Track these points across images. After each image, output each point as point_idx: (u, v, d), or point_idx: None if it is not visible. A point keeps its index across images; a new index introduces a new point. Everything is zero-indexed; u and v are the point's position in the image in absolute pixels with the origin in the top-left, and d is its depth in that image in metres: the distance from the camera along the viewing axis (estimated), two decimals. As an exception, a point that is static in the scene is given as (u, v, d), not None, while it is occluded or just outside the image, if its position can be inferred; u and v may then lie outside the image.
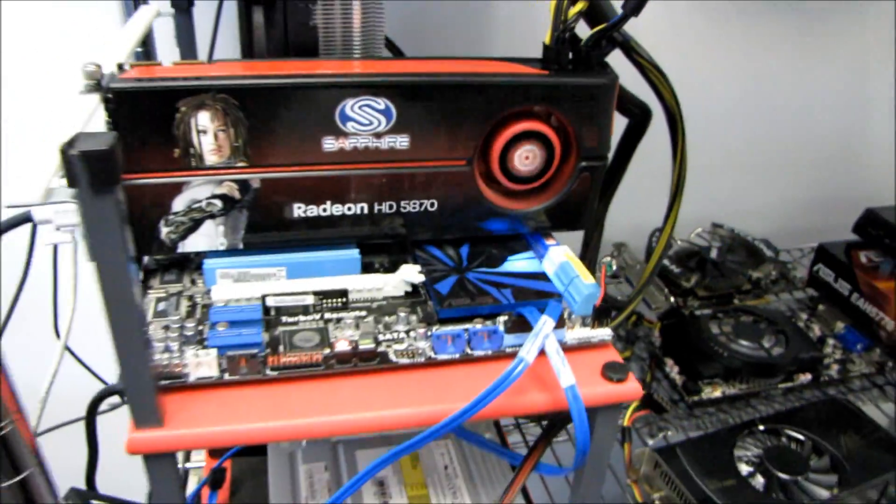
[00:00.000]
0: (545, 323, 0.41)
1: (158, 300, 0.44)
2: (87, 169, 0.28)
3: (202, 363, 0.38)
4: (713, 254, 0.86)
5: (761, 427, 0.65)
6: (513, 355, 0.40)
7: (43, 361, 0.50)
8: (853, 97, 0.97)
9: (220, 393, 0.38)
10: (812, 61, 0.93)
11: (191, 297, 0.44)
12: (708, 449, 0.62)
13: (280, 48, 0.46)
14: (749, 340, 0.72)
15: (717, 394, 0.70)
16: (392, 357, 0.41)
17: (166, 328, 0.41)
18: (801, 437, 0.64)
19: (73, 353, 0.63)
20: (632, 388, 0.42)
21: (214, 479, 0.58)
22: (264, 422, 0.37)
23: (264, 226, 0.44)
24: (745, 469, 0.61)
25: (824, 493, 0.59)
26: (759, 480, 0.60)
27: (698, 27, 0.88)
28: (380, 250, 0.48)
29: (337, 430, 0.38)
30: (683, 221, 0.72)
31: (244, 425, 0.37)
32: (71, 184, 0.28)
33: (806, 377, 0.73)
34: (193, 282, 0.46)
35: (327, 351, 0.40)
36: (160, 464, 0.37)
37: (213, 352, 0.38)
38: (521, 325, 0.42)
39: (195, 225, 0.43)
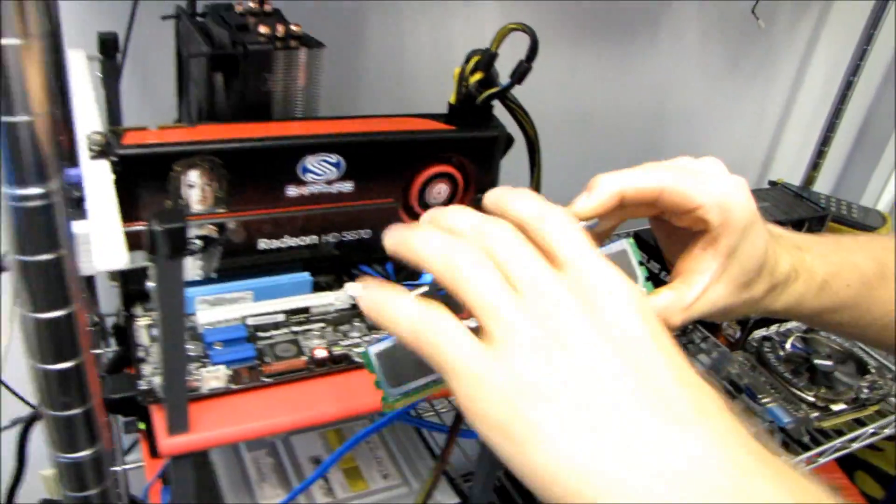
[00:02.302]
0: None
1: (149, 326, 0.52)
2: (168, 241, 0.37)
3: (212, 377, 0.47)
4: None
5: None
6: (447, 349, 0.53)
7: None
8: (656, 108, 1.18)
9: (228, 400, 0.48)
10: (623, 80, 1.12)
11: (175, 322, 0.52)
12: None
13: (238, 107, 0.55)
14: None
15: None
16: (354, 358, 0.52)
17: (165, 350, 0.50)
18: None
19: (5, 385, 0.68)
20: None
21: (167, 476, 0.66)
22: (269, 419, 0.47)
23: (233, 257, 0.53)
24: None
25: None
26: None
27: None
28: (323, 271, 0.58)
29: (325, 420, 0.49)
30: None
31: (253, 424, 0.47)
32: (152, 251, 0.37)
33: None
34: (171, 307, 0.54)
35: (307, 357, 0.50)
36: (184, 463, 0.46)
37: (221, 367, 0.48)
38: (450, 326, 0.55)
39: (177, 261, 0.51)
